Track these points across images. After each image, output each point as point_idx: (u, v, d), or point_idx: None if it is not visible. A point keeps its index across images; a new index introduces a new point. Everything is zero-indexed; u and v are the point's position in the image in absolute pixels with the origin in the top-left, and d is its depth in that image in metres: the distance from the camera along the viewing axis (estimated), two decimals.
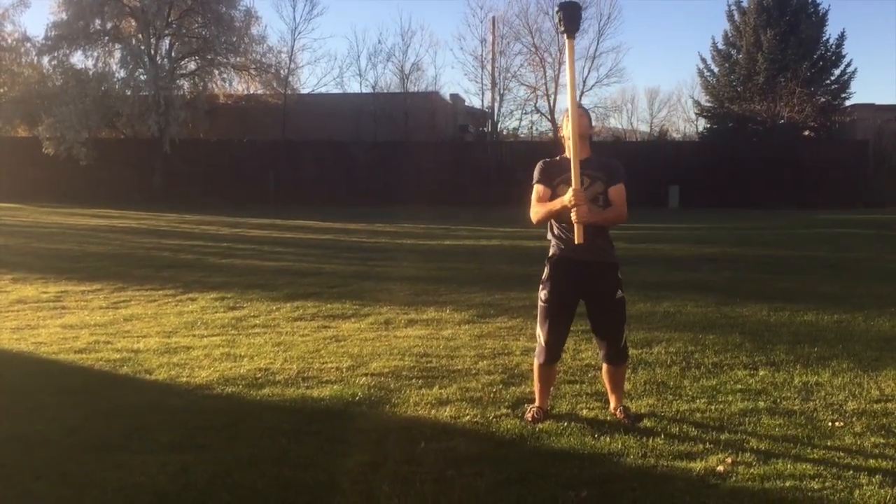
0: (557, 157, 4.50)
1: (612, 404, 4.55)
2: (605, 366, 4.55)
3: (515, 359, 5.85)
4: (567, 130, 4.32)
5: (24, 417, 4.41)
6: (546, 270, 4.49)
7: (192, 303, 8.52)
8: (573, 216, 4.13)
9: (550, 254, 4.51)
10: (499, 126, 37.07)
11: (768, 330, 6.97)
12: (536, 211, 4.42)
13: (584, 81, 37.14)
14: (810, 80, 34.21)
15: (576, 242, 4.17)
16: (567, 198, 4.13)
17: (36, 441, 4.02)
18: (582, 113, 4.35)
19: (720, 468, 3.70)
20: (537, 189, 4.45)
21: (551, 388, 4.70)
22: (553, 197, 4.36)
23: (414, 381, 5.22)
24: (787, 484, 3.53)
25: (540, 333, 4.48)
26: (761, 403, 4.72)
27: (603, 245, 4.38)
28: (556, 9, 4.25)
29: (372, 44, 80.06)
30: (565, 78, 4.31)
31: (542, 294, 4.47)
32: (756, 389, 5.05)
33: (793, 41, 34.49)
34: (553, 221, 4.45)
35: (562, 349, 4.57)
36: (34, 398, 4.80)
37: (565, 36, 4.22)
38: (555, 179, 4.40)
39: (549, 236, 4.53)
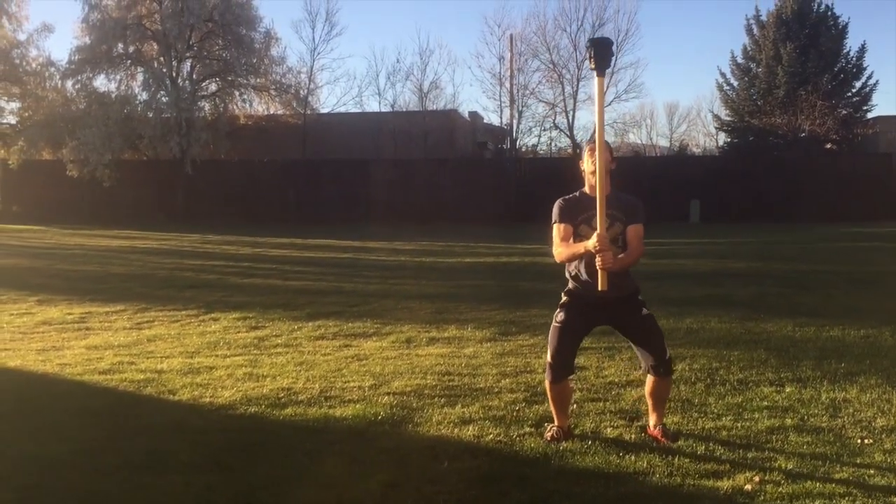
0: (576, 193, 4.46)
1: (652, 422, 4.45)
2: (650, 379, 4.42)
3: (538, 377, 5.81)
4: (588, 165, 4.31)
5: (49, 438, 4.43)
6: (564, 298, 4.47)
7: (215, 323, 8.56)
8: (598, 262, 4.08)
9: (568, 288, 4.48)
10: (517, 143, 37.15)
11: (794, 345, 6.89)
12: (560, 252, 4.36)
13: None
14: (831, 92, 34.01)
15: (599, 289, 4.13)
16: (591, 242, 4.08)
17: (61, 462, 4.04)
18: (604, 148, 4.26)
19: (748, 487, 3.64)
20: (559, 228, 4.39)
21: (569, 407, 4.64)
22: (576, 235, 4.32)
23: (436, 399, 5.21)
24: (817, 503, 3.48)
25: (549, 351, 4.45)
26: (788, 421, 4.66)
27: (621, 280, 4.30)
28: (588, 44, 4.23)
29: (390, 63, 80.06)
30: (593, 116, 4.22)
31: (559, 317, 4.44)
32: (783, 406, 4.98)
33: (813, 54, 34.34)
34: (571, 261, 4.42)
35: (569, 368, 4.45)
36: (59, 419, 4.83)
37: (595, 73, 4.18)
38: (576, 218, 4.35)
39: (567, 274, 4.49)
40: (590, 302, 4.35)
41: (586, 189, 4.41)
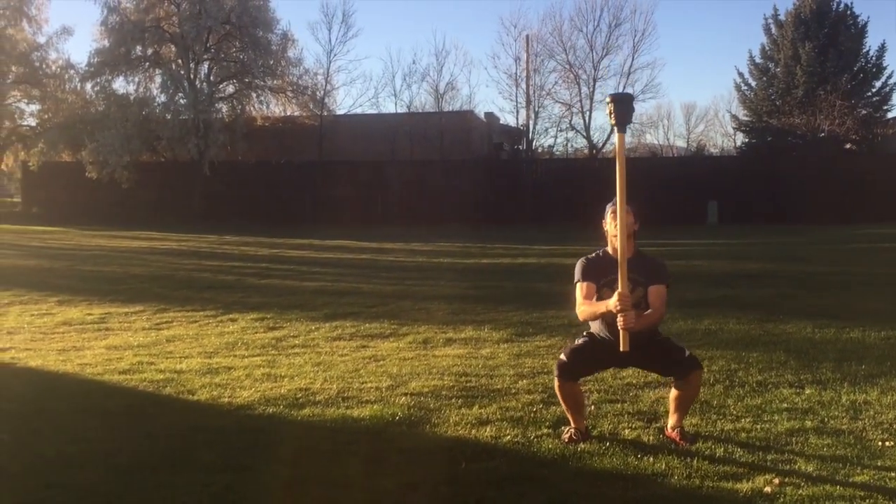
0: (600, 253, 4.48)
1: (671, 423, 4.42)
2: (678, 382, 4.36)
3: (555, 378, 5.80)
4: (611, 227, 4.32)
5: (70, 437, 4.47)
6: (586, 332, 4.53)
7: (233, 323, 8.61)
8: (620, 322, 4.08)
9: (590, 331, 4.50)
10: (534, 144, 37.10)
11: (813, 347, 6.83)
12: (583, 310, 4.37)
13: None
14: (851, 92, 33.72)
15: (621, 350, 4.12)
16: (613, 302, 4.08)
17: (81, 461, 4.08)
18: (628, 210, 4.20)
19: (767, 489, 3.62)
20: (581, 286, 4.40)
21: (584, 409, 4.60)
22: (599, 295, 4.33)
23: (454, 400, 5.21)
24: None
25: (563, 353, 4.46)
26: (808, 423, 4.62)
27: (643, 333, 4.26)
28: (608, 100, 4.12)
29: (407, 64, 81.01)
30: (615, 174, 4.17)
31: (580, 340, 4.49)
32: (802, 408, 4.94)
33: (832, 53, 34.07)
34: None
35: (576, 374, 4.43)
36: (79, 418, 4.87)
37: (616, 129, 4.11)
38: (600, 279, 4.36)
39: (590, 325, 4.52)
40: (609, 348, 4.34)
41: (609, 249, 4.43)
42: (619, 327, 4.09)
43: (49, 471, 3.93)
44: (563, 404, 4.49)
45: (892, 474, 3.81)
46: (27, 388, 5.66)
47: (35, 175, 34.28)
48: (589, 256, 4.48)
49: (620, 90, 36.10)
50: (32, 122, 37.40)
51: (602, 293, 4.33)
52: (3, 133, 36.18)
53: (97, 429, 4.64)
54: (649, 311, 4.25)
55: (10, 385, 5.78)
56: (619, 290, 4.06)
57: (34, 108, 37.66)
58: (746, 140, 39.49)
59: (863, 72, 35.59)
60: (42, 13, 36.57)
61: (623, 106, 4.06)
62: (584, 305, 4.36)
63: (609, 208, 4.41)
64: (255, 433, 4.55)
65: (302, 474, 3.89)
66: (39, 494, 3.63)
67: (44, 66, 36.30)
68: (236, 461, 4.06)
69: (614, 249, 4.32)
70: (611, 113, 4.07)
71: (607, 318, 4.25)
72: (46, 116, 36.12)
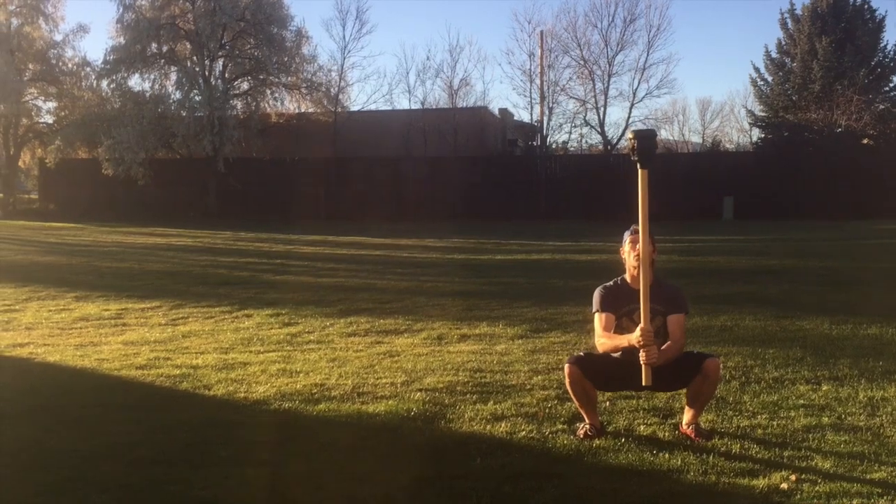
0: (617, 281, 4.48)
1: (686, 420, 4.40)
2: (697, 379, 4.28)
3: (566, 368, 5.79)
4: (631, 258, 4.33)
5: (87, 431, 4.52)
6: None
7: (248, 319, 8.65)
8: (642, 357, 4.08)
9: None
10: (548, 140, 37.00)
11: (830, 343, 6.79)
12: (603, 343, 4.36)
13: (635, 93, 36.98)
14: (868, 87, 33.41)
15: (643, 384, 4.14)
16: (635, 337, 4.09)
17: (100, 454, 4.12)
18: (647, 241, 4.21)
19: (784, 486, 3.61)
20: (601, 317, 4.40)
21: (596, 405, 4.58)
22: (617, 328, 4.34)
23: (468, 396, 5.21)
24: (854, 502, 3.44)
25: (580, 352, 4.47)
26: (825, 419, 4.60)
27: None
28: (630, 136, 4.12)
29: (420, 60, 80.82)
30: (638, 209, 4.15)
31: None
32: (819, 405, 4.92)
33: (849, 48, 33.75)
34: None
35: (594, 374, 4.38)
36: (97, 413, 4.92)
37: (638, 165, 4.09)
38: (619, 309, 4.36)
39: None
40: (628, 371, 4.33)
41: (627, 278, 4.43)
42: (642, 362, 4.09)
43: (69, 464, 3.97)
44: (575, 400, 4.48)
45: None
46: (46, 383, 5.71)
47: (52, 172, 34.53)
48: (607, 285, 4.48)
49: (635, 86, 36.00)
50: (49, 119, 37.74)
51: (622, 323, 4.34)
52: (20, 130, 36.50)
53: (115, 423, 4.69)
54: (669, 343, 4.26)
55: (29, 380, 5.83)
56: (642, 325, 4.07)
57: (51, 105, 38.02)
58: (762, 135, 39.19)
59: (880, 66, 35.22)
60: (58, 11, 36.86)
61: (646, 142, 4.07)
62: (605, 338, 4.35)
63: (627, 237, 4.41)
64: (270, 428, 4.58)
65: (318, 469, 3.91)
66: (60, 487, 3.67)
67: (60, 63, 36.59)
68: (252, 456, 4.09)
69: (633, 278, 4.35)
70: (633, 149, 4.07)
71: (626, 351, 4.24)
72: (63, 114, 36.40)
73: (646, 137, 4.08)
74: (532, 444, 4.26)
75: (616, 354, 4.38)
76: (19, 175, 42.13)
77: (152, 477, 3.81)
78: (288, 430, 4.54)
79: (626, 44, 36.72)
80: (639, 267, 4.19)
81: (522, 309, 8.93)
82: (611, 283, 4.50)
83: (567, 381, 4.43)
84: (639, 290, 4.13)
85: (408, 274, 12.67)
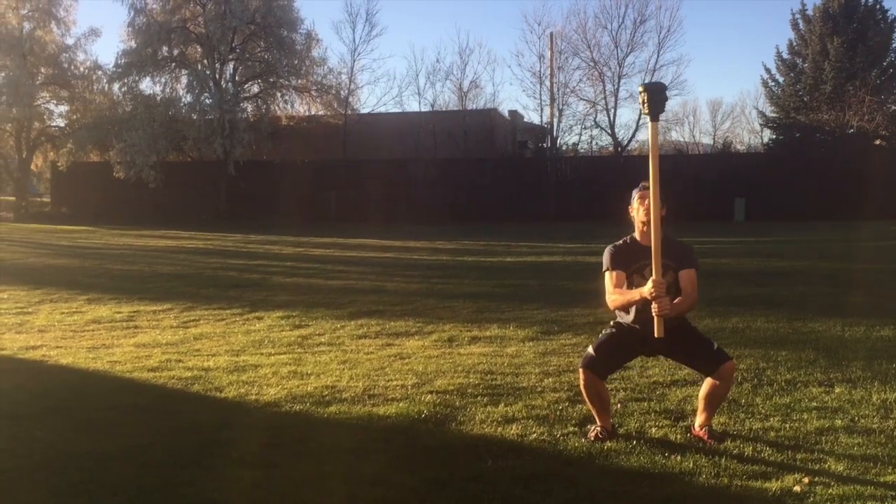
0: (627, 240, 4.44)
1: (698, 422, 4.37)
2: (709, 381, 4.29)
3: (580, 372, 5.78)
4: (639, 213, 4.30)
5: (101, 433, 4.53)
6: (613, 324, 4.50)
7: (259, 321, 8.67)
8: (654, 309, 4.06)
9: (617, 321, 4.48)
10: (558, 141, 36.97)
11: (843, 346, 6.75)
12: (614, 299, 4.33)
13: None
14: (880, 87, 33.30)
15: (656, 336, 4.11)
16: (647, 289, 4.07)
17: (112, 456, 4.13)
18: (658, 197, 4.17)
19: (797, 488, 3.58)
20: (611, 275, 4.37)
21: (609, 407, 4.57)
22: (630, 284, 4.31)
23: (479, 398, 5.21)
24: None
25: (591, 347, 4.44)
26: (838, 422, 4.57)
27: (677, 323, 4.26)
28: (641, 89, 4.11)
29: (430, 62, 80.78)
30: (648, 162, 4.14)
31: (608, 330, 4.47)
32: (832, 407, 4.89)
33: (861, 48, 33.61)
34: None
35: (604, 368, 4.40)
36: (110, 415, 4.93)
37: (649, 118, 4.10)
38: (629, 266, 4.34)
39: (617, 316, 4.49)
40: (639, 336, 4.34)
41: (636, 235, 4.40)
42: (654, 314, 4.07)
43: (81, 467, 3.98)
44: (588, 402, 4.46)
45: None
46: (58, 386, 5.73)
47: (64, 175, 34.78)
48: (616, 244, 4.44)
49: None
50: (61, 122, 38.01)
51: (632, 280, 4.30)
52: (32, 134, 36.73)
53: (127, 425, 4.70)
54: (681, 298, 4.23)
55: (42, 382, 5.86)
56: (654, 276, 4.04)
57: (63, 108, 38.29)
58: (774, 136, 39.08)
59: (892, 67, 35.06)
60: (70, 15, 37.17)
61: (656, 95, 4.06)
62: (616, 294, 4.32)
63: (636, 194, 4.39)
64: (282, 430, 4.58)
65: (328, 471, 3.91)
66: (72, 490, 3.68)
67: (72, 67, 36.83)
68: (264, 458, 4.09)
69: (642, 234, 4.31)
70: (644, 102, 4.06)
71: (639, 306, 4.23)
72: (75, 117, 36.63)
73: (655, 90, 4.07)
74: (543, 446, 4.25)
75: (626, 320, 4.37)
76: (31, 178, 42.43)
77: (164, 479, 3.82)
78: (299, 433, 4.54)
79: (637, 45, 36.69)
80: (648, 223, 4.15)
81: (533, 311, 8.92)
82: (620, 241, 4.46)
83: (581, 384, 4.42)
84: (649, 247, 4.10)
85: (418, 276, 12.68)
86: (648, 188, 4.19)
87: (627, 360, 4.59)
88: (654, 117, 4.07)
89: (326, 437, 4.46)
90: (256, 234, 23.21)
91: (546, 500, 3.52)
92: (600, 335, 4.49)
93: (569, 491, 3.60)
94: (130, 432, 4.55)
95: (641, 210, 4.28)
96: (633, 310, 4.33)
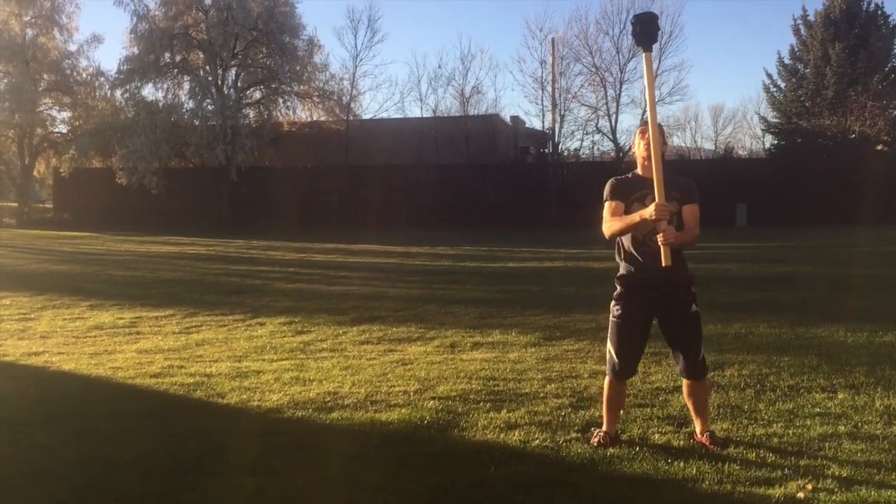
0: (629, 175, 4.35)
1: (698, 429, 4.37)
2: (685, 382, 4.38)
3: (583, 382, 5.78)
4: (640, 149, 4.24)
5: (103, 440, 4.53)
6: (618, 288, 4.36)
7: (261, 327, 8.67)
8: (660, 237, 3.97)
9: (620, 273, 4.38)
10: (560, 147, 36.99)
11: (846, 351, 6.74)
12: (611, 224, 4.22)
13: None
14: (882, 93, 33.29)
15: (663, 265, 4.00)
16: (649, 212, 3.96)
17: (115, 463, 4.12)
18: (657, 128, 4.14)
19: (800, 494, 3.57)
20: (610, 206, 4.26)
21: (620, 413, 4.59)
22: (629, 212, 4.19)
23: (482, 404, 5.20)
24: None
25: (611, 349, 4.34)
26: (841, 427, 4.56)
27: (676, 263, 4.15)
28: (632, 20, 4.11)
29: (432, 68, 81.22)
30: (644, 94, 4.16)
31: (615, 310, 4.34)
32: (835, 413, 4.87)
33: (863, 54, 33.62)
34: (623, 241, 4.30)
35: (635, 365, 4.40)
36: (112, 421, 4.93)
37: (641, 49, 4.09)
38: (629, 196, 4.24)
39: (618, 259, 4.39)
40: (644, 288, 4.25)
41: (639, 171, 4.32)
42: (659, 242, 3.98)
43: (83, 474, 3.98)
44: (604, 404, 4.45)
45: None
46: (60, 392, 5.73)
47: (66, 181, 34.84)
48: (619, 177, 4.37)
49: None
50: (64, 128, 38.09)
51: (632, 209, 4.18)
52: (35, 140, 36.81)
53: (129, 432, 4.70)
54: (684, 231, 4.16)
55: (44, 388, 5.85)
56: (657, 200, 3.95)
57: (65, 115, 38.38)
58: (775, 142, 39.07)
59: (894, 72, 35.06)
60: (73, 21, 37.26)
61: (648, 25, 4.05)
62: (613, 220, 4.21)
63: (638, 129, 4.37)
64: (284, 436, 4.57)
65: (331, 478, 3.91)
66: (75, 497, 3.68)
67: (74, 73, 36.92)
68: (266, 464, 4.09)
69: (644, 168, 4.23)
70: (635, 34, 4.07)
71: (639, 237, 4.17)
72: (77, 123, 36.72)
73: (646, 20, 4.06)
74: (546, 452, 4.24)
75: (627, 266, 4.29)
76: (34, 184, 42.48)
77: (167, 486, 3.81)
78: (301, 439, 4.53)
79: (638, 51, 36.64)
80: (649, 157, 4.08)
81: (535, 317, 8.91)
82: (623, 175, 4.38)
83: (605, 389, 4.43)
84: (651, 178, 4.03)
85: (420, 282, 12.67)
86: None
87: (643, 343, 4.43)
88: (647, 47, 4.07)
89: (328, 444, 4.45)
90: (258, 240, 23.22)
91: None
92: (611, 326, 4.37)
93: (571, 498, 3.59)
94: (133, 439, 4.55)
95: (642, 144, 4.21)
96: (633, 244, 4.23)
